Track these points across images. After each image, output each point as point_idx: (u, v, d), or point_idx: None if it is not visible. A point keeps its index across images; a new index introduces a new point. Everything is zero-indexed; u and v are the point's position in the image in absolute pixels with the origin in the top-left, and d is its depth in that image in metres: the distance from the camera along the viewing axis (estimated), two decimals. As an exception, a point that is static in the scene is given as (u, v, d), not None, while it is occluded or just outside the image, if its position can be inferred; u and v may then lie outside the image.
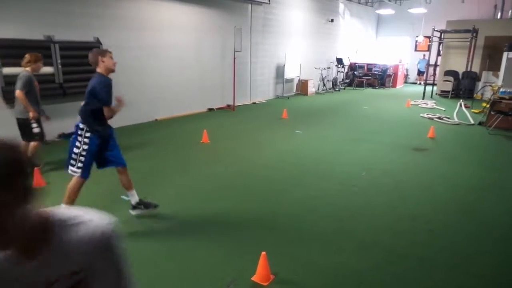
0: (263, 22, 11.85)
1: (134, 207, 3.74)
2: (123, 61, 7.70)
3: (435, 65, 14.28)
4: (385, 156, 6.14)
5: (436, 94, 14.20)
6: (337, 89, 15.98)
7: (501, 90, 8.66)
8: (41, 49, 6.19)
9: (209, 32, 9.81)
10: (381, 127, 8.39)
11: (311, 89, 14.42)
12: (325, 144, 6.82)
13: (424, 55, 17.51)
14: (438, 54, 14.47)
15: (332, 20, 15.52)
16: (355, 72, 17.29)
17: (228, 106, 10.64)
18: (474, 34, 12.38)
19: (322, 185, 4.74)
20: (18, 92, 4.63)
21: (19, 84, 4.66)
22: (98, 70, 3.38)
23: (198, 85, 9.82)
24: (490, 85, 11.20)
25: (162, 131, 7.73)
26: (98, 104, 3.30)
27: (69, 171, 3.36)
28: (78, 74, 6.54)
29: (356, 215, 3.91)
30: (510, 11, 13.77)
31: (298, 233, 3.50)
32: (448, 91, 13.77)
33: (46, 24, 6.36)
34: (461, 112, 10.40)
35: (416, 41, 18.19)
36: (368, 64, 17.66)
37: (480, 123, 8.79)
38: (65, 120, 6.34)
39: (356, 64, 17.64)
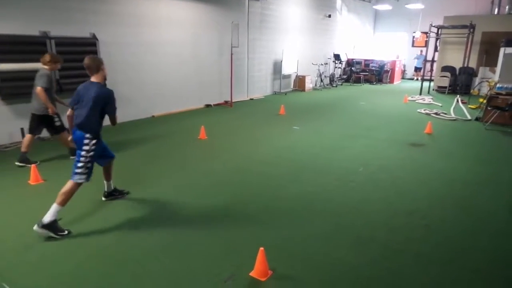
0: (261, 18, 11.82)
1: (109, 195, 4.04)
2: (120, 57, 7.70)
3: (432, 61, 14.28)
4: (382, 151, 6.16)
5: (433, 89, 14.23)
6: (335, 85, 15.98)
7: (497, 85, 8.69)
8: (37, 45, 6.17)
9: (207, 28, 9.78)
10: (378, 123, 8.41)
11: (309, 85, 14.42)
12: (322, 140, 6.83)
13: (421, 51, 17.53)
14: (435, 49, 14.48)
15: (329, 16, 15.50)
16: (352, 68, 17.29)
17: (226, 102, 10.63)
18: (471, 30, 12.39)
19: (319, 181, 4.75)
20: (39, 89, 4.76)
21: (41, 81, 4.79)
22: (95, 79, 3.43)
23: (195, 81, 9.79)
24: (487, 81, 11.23)
25: (160, 127, 7.71)
26: (99, 111, 3.38)
27: (77, 181, 3.33)
28: (74, 70, 6.49)
29: (353, 211, 3.93)
30: (507, 7, 13.77)
31: (296, 228, 3.52)
32: (445, 87, 13.79)
33: (42, 19, 6.31)
34: (458, 108, 10.43)
35: (414, 36, 18.17)
36: (365, 60, 17.66)
37: (477, 119, 8.83)
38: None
39: (354, 60, 17.62)
